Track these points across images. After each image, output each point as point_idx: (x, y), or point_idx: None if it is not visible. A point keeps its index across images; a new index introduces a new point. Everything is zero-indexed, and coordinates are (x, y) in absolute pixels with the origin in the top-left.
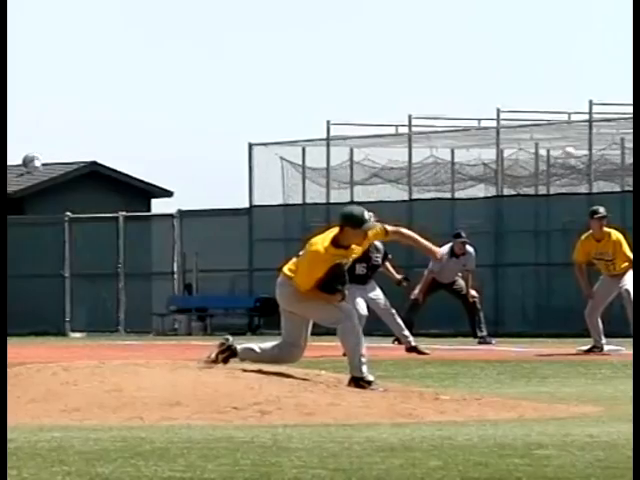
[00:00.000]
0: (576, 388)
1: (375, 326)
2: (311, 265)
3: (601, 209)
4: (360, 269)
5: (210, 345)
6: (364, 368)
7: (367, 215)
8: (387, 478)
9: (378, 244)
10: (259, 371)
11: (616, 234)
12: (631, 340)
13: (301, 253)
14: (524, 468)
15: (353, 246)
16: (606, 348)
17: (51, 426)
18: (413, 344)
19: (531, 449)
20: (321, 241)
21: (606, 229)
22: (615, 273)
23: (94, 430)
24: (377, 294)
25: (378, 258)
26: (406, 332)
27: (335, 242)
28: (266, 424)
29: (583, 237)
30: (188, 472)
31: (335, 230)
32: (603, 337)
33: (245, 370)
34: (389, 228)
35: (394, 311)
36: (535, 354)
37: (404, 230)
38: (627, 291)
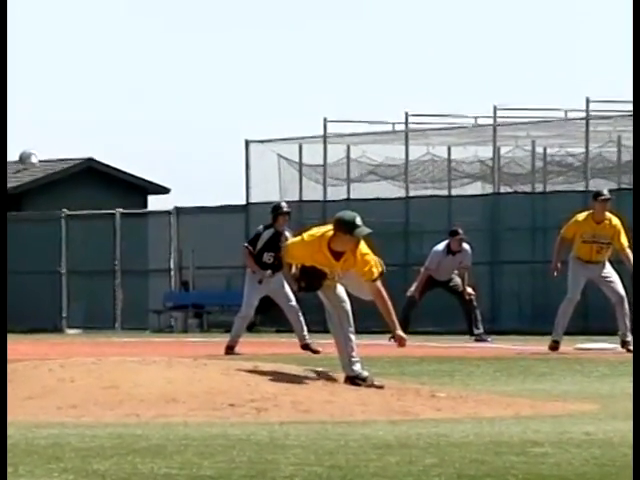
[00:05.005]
0: (573, 386)
1: (371, 323)
2: (301, 246)
3: (605, 191)
4: (267, 257)
5: (206, 342)
6: (356, 367)
7: (359, 221)
8: (383, 475)
9: (289, 236)
10: (255, 369)
11: (616, 220)
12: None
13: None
14: (520, 465)
15: (341, 262)
16: (593, 346)
17: (47, 423)
18: (307, 342)
19: (527, 446)
20: (321, 234)
21: (607, 213)
22: (599, 260)
23: (90, 427)
24: (286, 289)
25: None
26: (305, 332)
27: (329, 244)
28: (262, 421)
29: (581, 217)
30: (184, 469)
31: (332, 231)
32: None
33: (241, 368)
34: (378, 284)
35: (298, 307)
36: (531, 352)
37: (385, 297)
38: (621, 297)
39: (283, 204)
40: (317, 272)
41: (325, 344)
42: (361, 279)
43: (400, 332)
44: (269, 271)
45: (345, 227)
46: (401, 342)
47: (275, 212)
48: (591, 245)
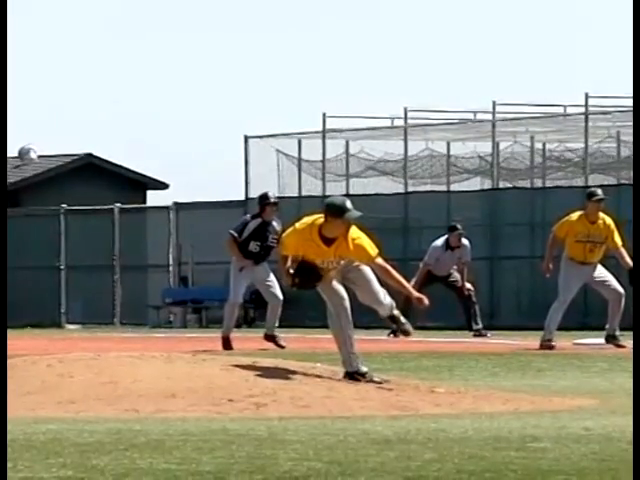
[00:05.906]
0: (572, 381)
1: (370, 319)
2: (294, 235)
3: (599, 191)
4: (253, 247)
5: (205, 337)
6: (355, 362)
7: (349, 205)
8: (382, 470)
9: (277, 226)
10: (254, 364)
11: (609, 219)
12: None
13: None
14: (519, 461)
15: (333, 248)
16: (591, 341)
17: (46, 418)
18: (275, 334)
19: (526, 442)
20: (312, 221)
21: (600, 213)
22: (592, 260)
23: (89, 422)
24: (270, 279)
25: (275, 240)
26: (276, 325)
27: (320, 230)
28: (261, 416)
29: (574, 217)
30: (183, 464)
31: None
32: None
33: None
34: (379, 261)
35: (280, 299)
36: (530, 347)
37: (391, 270)
38: (620, 294)
39: (270, 194)
40: (313, 269)
41: (324, 339)
42: (365, 267)
43: (417, 294)
44: (250, 260)
45: (335, 211)
46: (421, 302)
47: (262, 202)
48: (584, 244)
